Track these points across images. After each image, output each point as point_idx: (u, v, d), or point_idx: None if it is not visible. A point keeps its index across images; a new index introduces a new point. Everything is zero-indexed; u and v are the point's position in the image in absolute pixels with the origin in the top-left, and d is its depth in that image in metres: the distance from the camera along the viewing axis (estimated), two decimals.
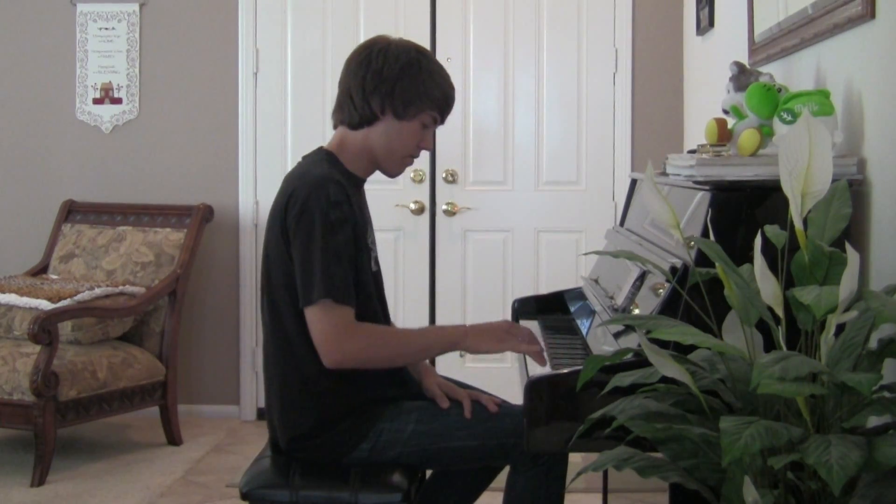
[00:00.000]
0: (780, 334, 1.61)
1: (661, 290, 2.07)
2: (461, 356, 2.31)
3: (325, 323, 2.12)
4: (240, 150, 4.60)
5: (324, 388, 2.21)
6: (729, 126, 2.41)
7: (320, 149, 2.32)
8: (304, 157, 2.33)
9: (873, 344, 1.61)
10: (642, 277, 2.26)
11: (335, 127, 2.33)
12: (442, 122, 2.31)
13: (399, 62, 2.21)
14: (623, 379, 1.71)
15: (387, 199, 4.40)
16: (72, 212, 4.56)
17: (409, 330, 2.33)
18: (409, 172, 2.45)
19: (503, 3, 4.50)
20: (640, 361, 1.75)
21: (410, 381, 2.37)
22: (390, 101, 2.22)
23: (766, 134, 2.27)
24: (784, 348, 1.61)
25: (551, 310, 2.92)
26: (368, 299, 2.22)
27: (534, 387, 1.98)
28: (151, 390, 4.08)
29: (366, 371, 2.21)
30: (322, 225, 2.12)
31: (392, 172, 2.36)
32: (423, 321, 4.47)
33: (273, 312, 2.24)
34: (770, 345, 1.65)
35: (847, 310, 1.53)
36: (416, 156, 2.33)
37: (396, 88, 2.21)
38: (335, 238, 2.12)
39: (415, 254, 4.53)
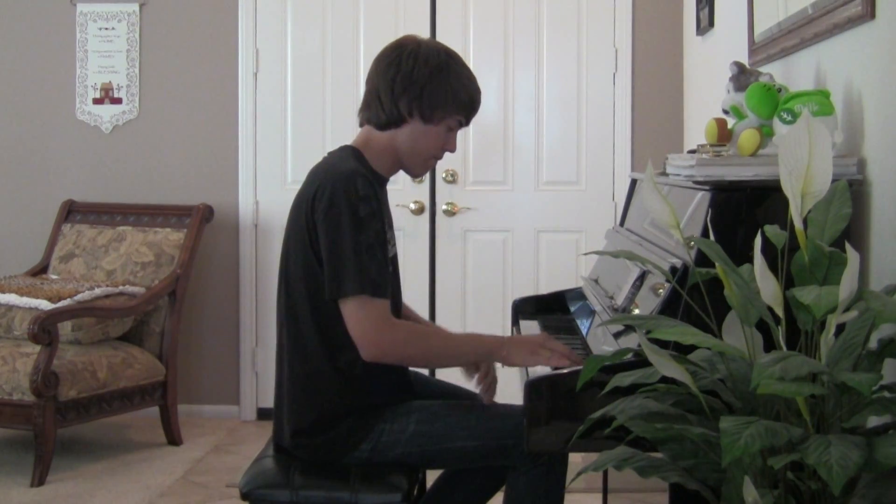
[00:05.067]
0: (780, 334, 1.61)
1: (661, 290, 2.07)
2: (502, 367, 2.30)
3: (362, 317, 2.13)
4: (240, 150, 4.60)
5: (329, 386, 2.21)
6: (729, 126, 2.41)
7: (346, 146, 2.33)
8: (330, 154, 2.34)
9: (873, 344, 1.61)
10: (642, 277, 2.26)
11: (361, 125, 2.34)
12: (467, 124, 2.33)
13: (429, 66, 2.23)
14: (623, 379, 1.71)
15: None
16: (72, 212, 4.56)
17: (445, 332, 2.33)
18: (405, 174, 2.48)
19: (503, 3, 4.50)
20: (640, 361, 1.75)
21: (415, 385, 2.37)
22: (418, 105, 2.23)
23: (766, 134, 2.27)
24: (784, 348, 1.61)
25: (551, 310, 2.91)
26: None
27: (534, 387, 1.98)
28: (151, 390, 4.08)
29: (373, 375, 2.22)
30: (351, 219, 2.13)
31: (416, 173, 2.40)
32: None
33: (288, 305, 2.26)
34: (770, 345, 1.65)
35: (847, 310, 1.53)
36: (440, 157, 2.35)
37: (425, 92, 2.22)
38: (366, 232, 2.13)
39: (415, 254, 4.52)
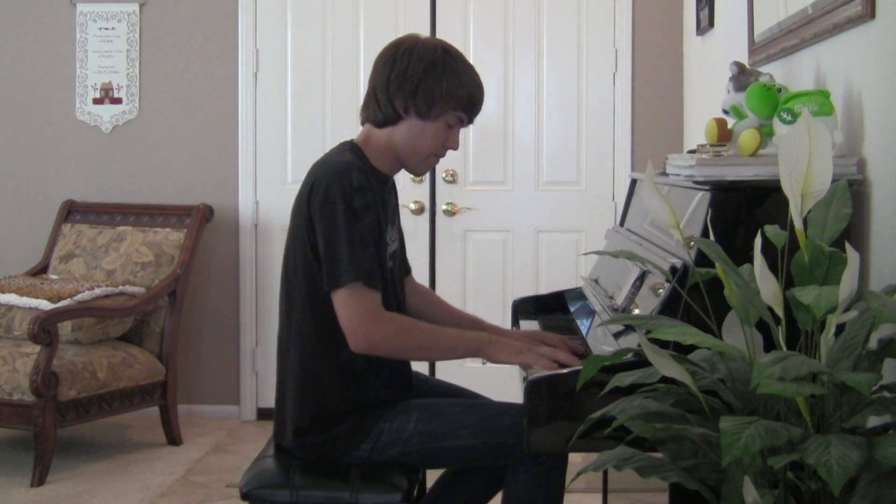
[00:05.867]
0: (780, 334, 1.61)
1: (661, 290, 2.07)
2: (483, 363, 2.31)
3: (354, 307, 2.13)
4: (240, 150, 4.60)
5: (329, 383, 2.21)
6: (729, 126, 2.41)
7: (347, 141, 2.34)
8: (332, 149, 2.35)
9: (873, 344, 1.61)
10: (642, 277, 2.26)
11: (363, 124, 2.34)
12: (470, 122, 2.31)
13: (423, 62, 2.21)
14: (623, 379, 1.71)
15: None
16: (72, 212, 4.56)
17: (436, 327, 2.34)
18: (407, 172, 2.48)
19: (503, 3, 4.51)
20: (640, 361, 1.75)
21: (415, 384, 2.37)
22: (413, 102, 2.22)
23: (766, 134, 2.27)
24: (784, 348, 1.61)
25: (551, 310, 2.92)
26: (384, 291, 2.23)
27: (534, 387, 1.98)
28: (151, 390, 4.08)
29: (372, 372, 2.22)
30: (345, 211, 2.13)
31: (416, 171, 2.38)
32: None
33: (288, 302, 2.26)
34: (770, 345, 1.65)
35: (847, 310, 1.53)
36: (442, 155, 2.33)
37: (419, 88, 2.21)
38: (360, 223, 2.13)
39: (415, 254, 4.51)
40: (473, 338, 2.27)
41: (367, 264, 2.13)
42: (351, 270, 2.11)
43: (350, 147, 2.29)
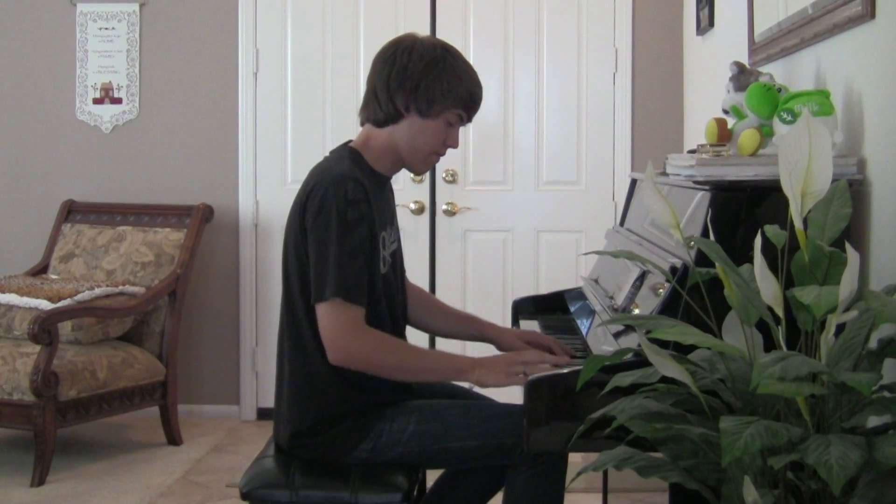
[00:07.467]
0: (780, 334, 1.61)
1: (661, 290, 2.07)
2: (470, 387, 2.29)
3: (333, 320, 2.13)
4: (240, 150, 4.60)
5: (328, 387, 2.21)
6: (729, 126, 2.41)
7: (345, 145, 2.33)
8: (331, 152, 2.34)
9: (873, 344, 1.61)
10: (642, 277, 2.26)
11: (362, 124, 2.33)
12: (469, 120, 2.30)
13: (423, 60, 2.21)
14: (623, 379, 1.71)
15: None
16: (72, 212, 4.56)
17: (417, 347, 2.33)
18: (407, 172, 2.47)
19: (503, 3, 4.51)
20: (640, 361, 1.75)
21: (414, 385, 2.37)
22: (414, 99, 2.22)
23: (766, 134, 2.27)
24: (784, 348, 1.61)
25: (551, 310, 2.92)
26: (376, 301, 2.22)
27: (534, 387, 1.99)
28: (151, 390, 4.08)
29: (371, 374, 2.21)
30: (338, 223, 2.12)
31: (417, 170, 2.37)
32: None
33: (288, 306, 2.26)
34: (770, 345, 1.65)
35: (847, 310, 1.53)
36: (443, 153, 2.32)
37: (420, 86, 2.21)
38: (351, 237, 2.13)
39: (415, 254, 4.51)
40: (458, 361, 2.24)
41: (353, 279, 2.12)
42: (334, 284, 2.11)
43: (349, 153, 2.28)
